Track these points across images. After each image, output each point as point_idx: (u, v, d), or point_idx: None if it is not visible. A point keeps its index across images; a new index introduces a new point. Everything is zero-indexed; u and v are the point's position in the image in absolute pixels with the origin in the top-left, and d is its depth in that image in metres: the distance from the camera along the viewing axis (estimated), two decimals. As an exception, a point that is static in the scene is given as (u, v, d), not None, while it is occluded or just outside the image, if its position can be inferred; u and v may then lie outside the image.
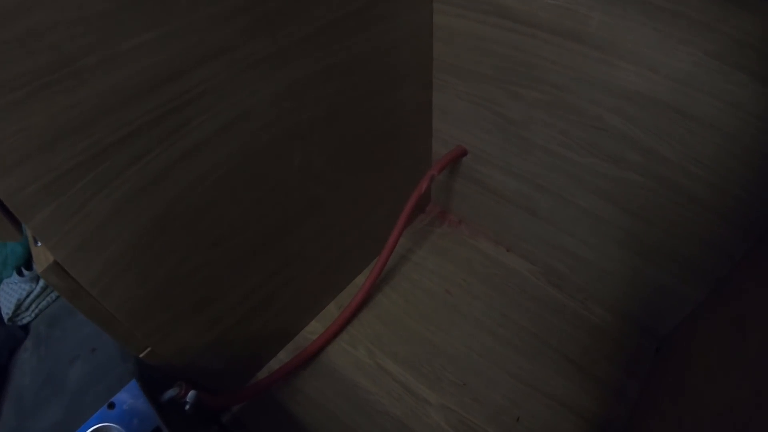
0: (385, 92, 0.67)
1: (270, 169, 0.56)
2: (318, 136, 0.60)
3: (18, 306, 0.77)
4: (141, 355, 0.52)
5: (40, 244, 0.41)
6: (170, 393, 0.51)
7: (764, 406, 0.35)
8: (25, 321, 0.78)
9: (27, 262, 0.81)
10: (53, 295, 0.80)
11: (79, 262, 0.42)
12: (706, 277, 0.61)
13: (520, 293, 0.81)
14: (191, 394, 0.52)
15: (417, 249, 0.88)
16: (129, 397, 0.48)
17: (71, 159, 0.39)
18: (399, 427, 0.67)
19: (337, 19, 0.54)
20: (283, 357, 0.75)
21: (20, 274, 0.79)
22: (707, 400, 0.45)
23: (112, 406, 0.47)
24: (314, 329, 0.78)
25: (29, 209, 0.38)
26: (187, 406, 0.52)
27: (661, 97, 0.53)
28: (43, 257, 0.41)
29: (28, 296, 0.78)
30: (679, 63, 0.49)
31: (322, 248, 0.73)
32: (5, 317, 0.77)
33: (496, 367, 0.72)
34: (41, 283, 0.79)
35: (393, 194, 0.79)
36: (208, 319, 0.59)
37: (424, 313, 0.79)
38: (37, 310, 0.79)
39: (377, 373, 0.73)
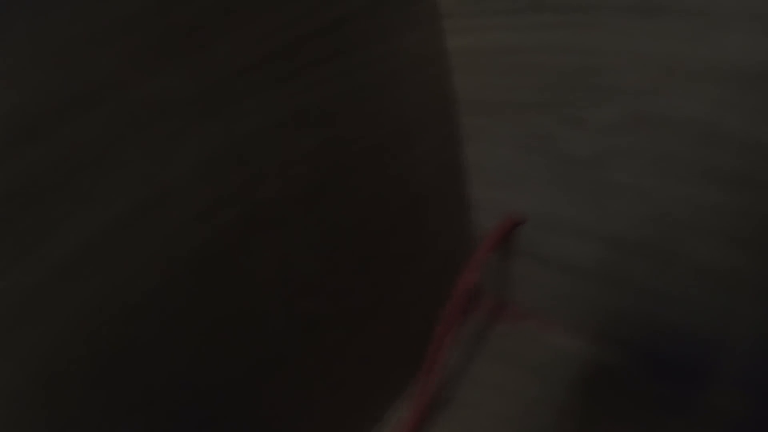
0: (391, 151, 0.49)
1: (225, 286, 0.37)
2: (296, 226, 0.41)
3: None
4: None
5: None
6: None
7: None
8: None
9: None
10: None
11: None
12: None
13: (618, 395, 0.56)
14: None
15: (473, 359, 0.65)
16: None
17: None
18: None
19: (302, 38, 0.38)
20: None
21: None
22: None
23: None
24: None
25: None
26: None
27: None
28: None
29: None
30: None
31: (329, 392, 0.51)
32: None
33: None
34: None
35: (426, 296, 0.59)
36: None
37: (497, 451, 0.55)
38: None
39: None
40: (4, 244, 0.26)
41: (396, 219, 0.52)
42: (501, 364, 0.64)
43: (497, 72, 0.49)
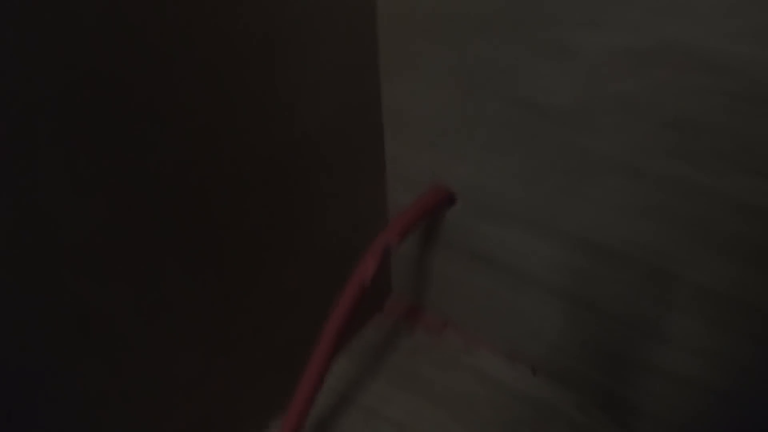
0: (280, 63, 0.30)
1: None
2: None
3: None
4: None
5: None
6: None
7: None
8: None
9: None
10: None
11: None
12: None
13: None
14: None
15: (370, 380, 0.48)
16: None
17: None
18: None
19: None
20: None
21: None
22: None
23: None
24: None
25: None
26: None
27: None
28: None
29: None
30: None
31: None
32: None
33: None
34: None
35: (315, 289, 0.41)
36: None
37: None
38: None
39: None
40: None
41: (272, 175, 0.33)
42: (408, 391, 0.47)
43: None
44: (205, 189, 0.30)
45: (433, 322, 0.52)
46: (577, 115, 0.31)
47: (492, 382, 0.47)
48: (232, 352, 0.36)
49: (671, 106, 0.27)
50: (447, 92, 0.36)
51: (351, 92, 0.38)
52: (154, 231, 0.28)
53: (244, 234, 0.33)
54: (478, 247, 0.42)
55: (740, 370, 0.33)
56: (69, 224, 0.24)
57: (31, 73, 0.21)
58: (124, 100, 0.24)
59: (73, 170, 0.23)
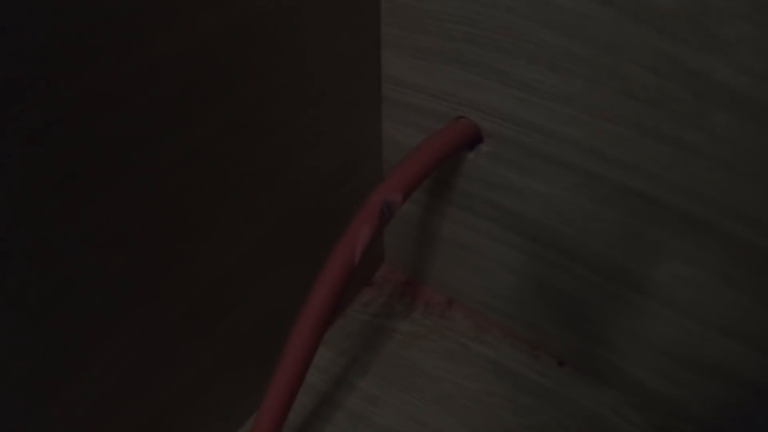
0: None
1: None
2: None
3: None
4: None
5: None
6: None
7: None
8: None
9: None
10: None
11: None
12: None
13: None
14: None
15: (357, 376, 0.37)
16: None
17: None
18: None
19: None
20: None
21: None
22: None
23: None
24: None
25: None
26: None
27: None
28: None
29: None
30: None
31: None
32: None
33: None
34: None
35: (281, 256, 0.30)
36: None
37: None
38: None
39: None
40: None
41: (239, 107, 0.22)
42: (400, 389, 0.36)
43: None
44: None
45: (436, 300, 0.41)
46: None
47: (510, 377, 0.37)
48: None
49: None
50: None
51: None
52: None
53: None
54: (507, 204, 0.31)
55: None
56: None
57: None
58: None
59: None
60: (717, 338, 0.29)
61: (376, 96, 0.32)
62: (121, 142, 0.19)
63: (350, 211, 0.26)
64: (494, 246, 0.34)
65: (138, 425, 0.25)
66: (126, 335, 0.22)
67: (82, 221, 0.19)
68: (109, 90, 0.18)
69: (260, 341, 0.32)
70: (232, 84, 0.22)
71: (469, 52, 0.27)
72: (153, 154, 0.20)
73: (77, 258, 0.19)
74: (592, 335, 0.35)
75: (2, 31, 0.15)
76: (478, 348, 0.38)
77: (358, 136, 0.33)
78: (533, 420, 0.35)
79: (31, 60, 0.16)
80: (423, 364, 0.37)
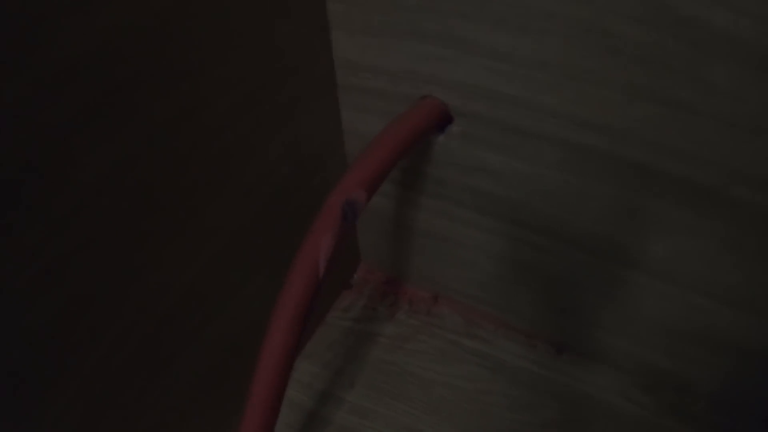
0: None
1: None
2: None
3: None
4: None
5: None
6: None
7: None
8: None
9: None
10: None
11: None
12: None
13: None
14: None
15: (343, 388, 0.34)
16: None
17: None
18: None
19: None
20: None
21: None
22: None
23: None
24: None
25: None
26: None
27: None
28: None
29: None
30: None
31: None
32: None
33: None
34: None
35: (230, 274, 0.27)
36: None
37: None
38: None
39: None
40: None
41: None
42: (390, 397, 0.33)
43: None
44: None
45: (420, 297, 0.38)
46: None
47: (507, 372, 0.34)
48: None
49: None
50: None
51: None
52: None
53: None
54: (485, 188, 0.28)
55: None
56: None
57: None
58: None
59: None
60: (725, 311, 0.27)
61: (330, 83, 0.29)
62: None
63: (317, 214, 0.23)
64: (476, 234, 0.31)
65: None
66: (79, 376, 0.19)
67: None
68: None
69: (232, 365, 0.28)
70: (151, 89, 0.19)
71: (427, 22, 0.24)
72: (60, 182, 0.17)
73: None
74: (591, 319, 0.32)
75: None
76: (470, 344, 0.35)
77: (315, 130, 0.29)
78: (536, 416, 0.32)
79: None
80: (413, 368, 0.35)
